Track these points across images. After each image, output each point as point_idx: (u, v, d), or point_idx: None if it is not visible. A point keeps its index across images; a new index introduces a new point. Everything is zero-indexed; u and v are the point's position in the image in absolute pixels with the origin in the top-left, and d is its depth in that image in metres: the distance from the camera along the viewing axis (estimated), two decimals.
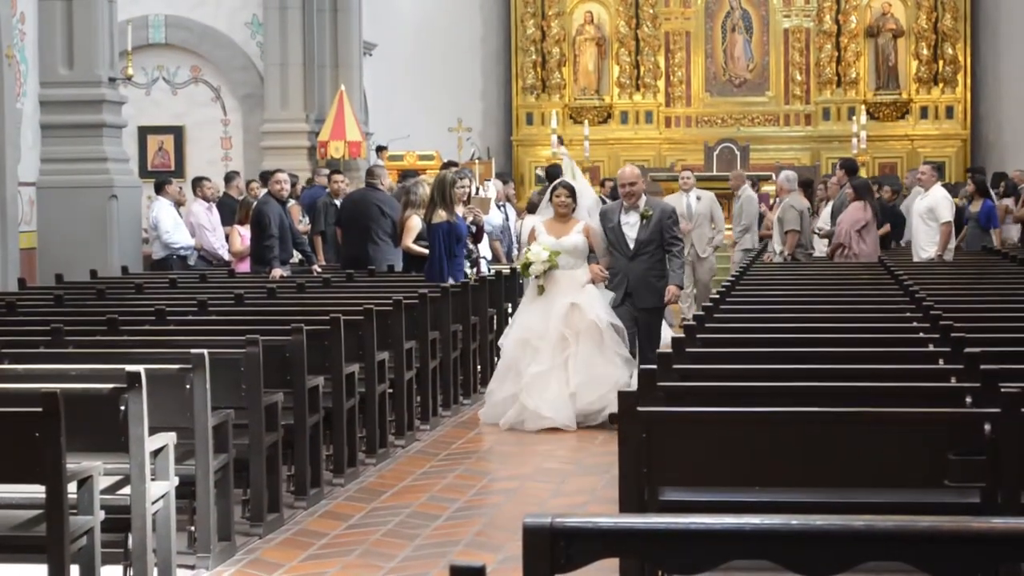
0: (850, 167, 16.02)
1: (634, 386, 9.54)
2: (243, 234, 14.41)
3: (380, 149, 20.39)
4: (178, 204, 15.77)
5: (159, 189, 15.17)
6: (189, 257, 15.32)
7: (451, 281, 11.57)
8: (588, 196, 11.28)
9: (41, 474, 5.11)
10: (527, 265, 10.51)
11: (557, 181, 11.27)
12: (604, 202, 12.95)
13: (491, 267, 13.64)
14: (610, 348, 10.28)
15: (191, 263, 15.13)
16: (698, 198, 16.28)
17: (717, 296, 9.48)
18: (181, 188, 16.75)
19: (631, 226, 10.67)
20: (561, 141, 22.84)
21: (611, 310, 10.40)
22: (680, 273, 10.78)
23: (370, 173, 14.42)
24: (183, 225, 15.24)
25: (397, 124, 22.82)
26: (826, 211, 15.56)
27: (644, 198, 10.84)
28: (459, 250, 11.91)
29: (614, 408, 9.66)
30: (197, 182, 15.83)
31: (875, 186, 17.99)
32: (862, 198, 14.04)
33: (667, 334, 11.12)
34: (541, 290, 10.47)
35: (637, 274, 10.62)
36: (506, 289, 13.32)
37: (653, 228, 10.64)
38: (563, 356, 10.29)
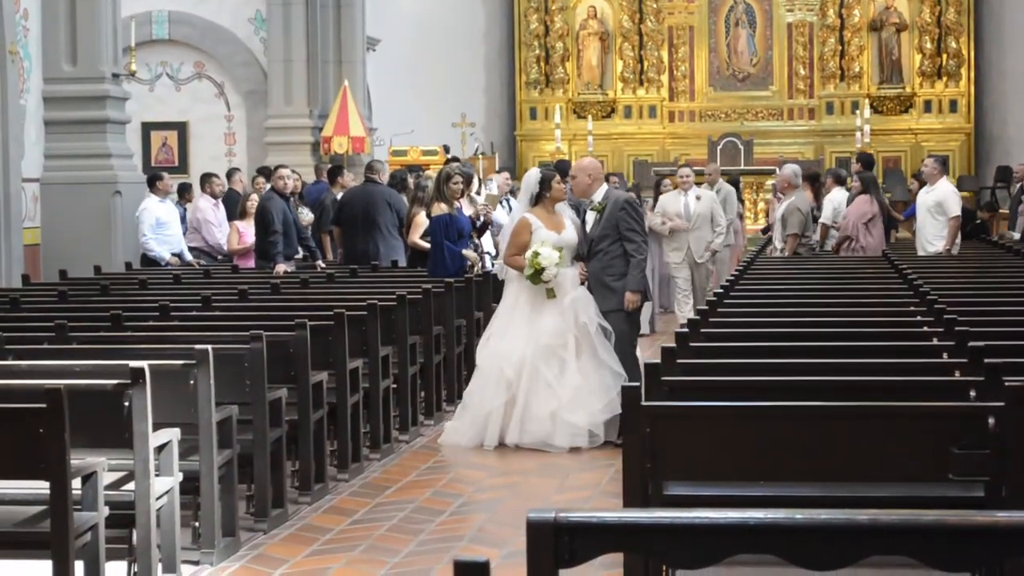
0: (866, 161, 15.99)
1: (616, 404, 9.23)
2: (242, 230, 14.37)
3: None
4: (180, 198, 15.64)
5: (150, 185, 14.88)
6: (161, 261, 14.67)
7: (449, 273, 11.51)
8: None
9: (45, 470, 5.11)
10: (539, 271, 9.38)
11: (547, 171, 10.12)
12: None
13: (495, 262, 13.64)
14: (603, 353, 9.48)
15: (162, 264, 14.51)
16: (698, 197, 15.36)
17: (721, 291, 9.46)
18: (191, 185, 16.72)
19: (590, 224, 9.78)
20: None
21: (599, 312, 9.55)
22: (638, 275, 9.62)
23: (370, 168, 14.40)
24: (169, 225, 14.71)
25: (401, 119, 22.82)
26: (828, 205, 15.44)
27: (604, 188, 9.91)
28: (462, 244, 11.90)
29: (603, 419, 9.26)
30: (206, 178, 15.77)
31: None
32: (868, 191, 14.10)
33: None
34: (551, 294, 9.51)
35: (593, 275, 9.65)
36: None
37: (605, 223, 9.64)
38: (579, 363, 9.44)
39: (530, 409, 9.41)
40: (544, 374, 9.43)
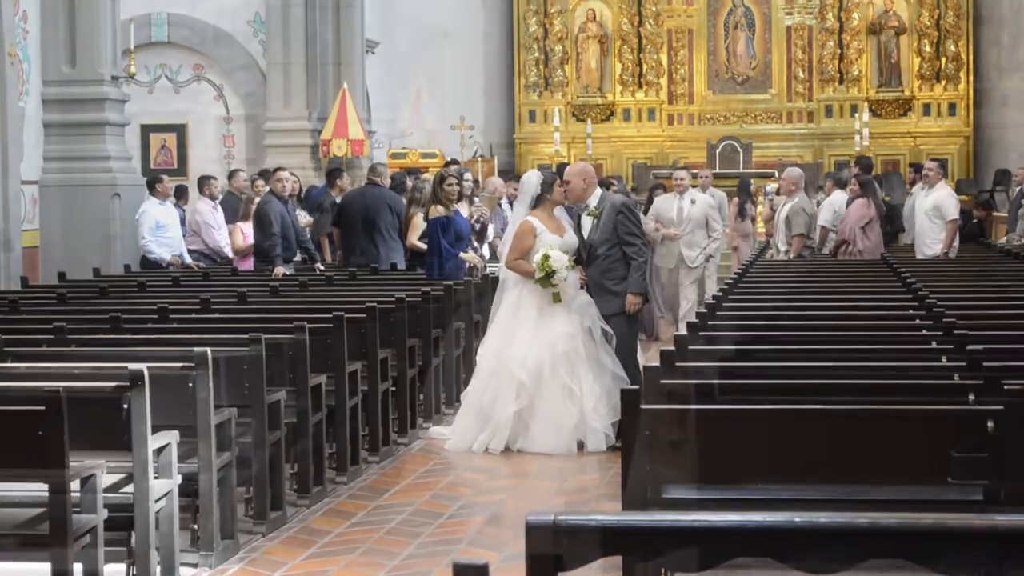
0: (865, 164, 16.00)
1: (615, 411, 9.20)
2: (245, 232, 14.38)
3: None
4: (178, 201, 15.59)
5: (150, 188, 14.83)
6: (161, 263, 14.55)
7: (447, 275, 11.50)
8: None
9: (44, 473, 5.11)
10: (550, 274, 9.29)
11: (548, 173, 10.07)
12: None
13: (489, 265, 13.64)
14: (605, 357, 9.48)
15: (163, 266, 14.47)
16: (692, 201, 15.05)
17: (720, 294, 9.46)
18: (187, 188, 16.69)
19: (586, 229, 9.74)
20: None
21: (600, 316, 9.53)
22: (639, 278, 9.63)
23: (373, 170, 14.41)
24: (169, 228, 14.66)
25: (399, 122, 22.82)
26: (827, 208, 15.44)
27: (599, 193, 9.88)
28: (460, 246, 11.90)
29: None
30: (204, 180, 15.76)
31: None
32: (866, 195, 14.11)
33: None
34: (557, 297, 9.45)
35: (593, 279, 9.66)
36: None
37: (604, 227, 9.61)
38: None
39: (549, 418, 9.31)
40: (566, 381, 9.33)
